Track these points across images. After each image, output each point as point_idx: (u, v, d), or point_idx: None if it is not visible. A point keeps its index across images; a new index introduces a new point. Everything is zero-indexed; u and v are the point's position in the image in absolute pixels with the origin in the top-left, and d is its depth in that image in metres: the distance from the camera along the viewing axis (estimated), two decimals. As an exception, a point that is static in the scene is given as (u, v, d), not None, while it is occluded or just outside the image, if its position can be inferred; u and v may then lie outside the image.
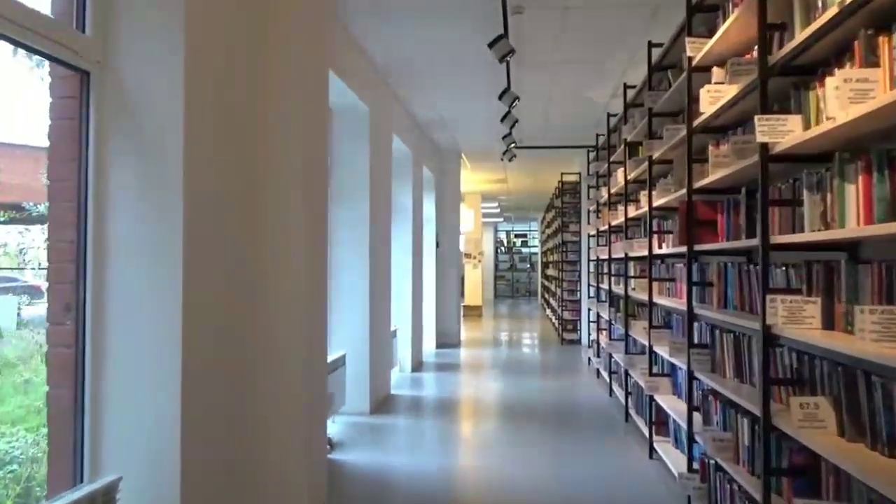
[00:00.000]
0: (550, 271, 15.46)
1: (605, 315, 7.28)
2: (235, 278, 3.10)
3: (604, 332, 7.78)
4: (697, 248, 3.55)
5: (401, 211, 8.15)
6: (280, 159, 3.27)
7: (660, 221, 4.86)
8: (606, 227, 7.01)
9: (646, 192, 4.98)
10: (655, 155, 4.52)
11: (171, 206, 2.66)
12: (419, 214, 8.83)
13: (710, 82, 3.39)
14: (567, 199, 11.62)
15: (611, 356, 6.65)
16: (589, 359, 8.76)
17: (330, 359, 5.23)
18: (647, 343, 4.74)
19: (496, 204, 18.71)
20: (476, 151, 10.93)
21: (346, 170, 5.86)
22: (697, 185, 3.50)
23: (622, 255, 5.89)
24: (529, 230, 27.03)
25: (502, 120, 6.80)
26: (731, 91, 3.06)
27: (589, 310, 8.89)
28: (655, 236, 4.68)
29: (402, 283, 8.12)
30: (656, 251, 4.62)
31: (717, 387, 3.19)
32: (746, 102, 3.03)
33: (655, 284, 4.71)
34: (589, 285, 9.05)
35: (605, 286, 7.44)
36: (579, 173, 11.12)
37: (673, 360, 3.98)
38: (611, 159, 6.76)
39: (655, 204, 4.49)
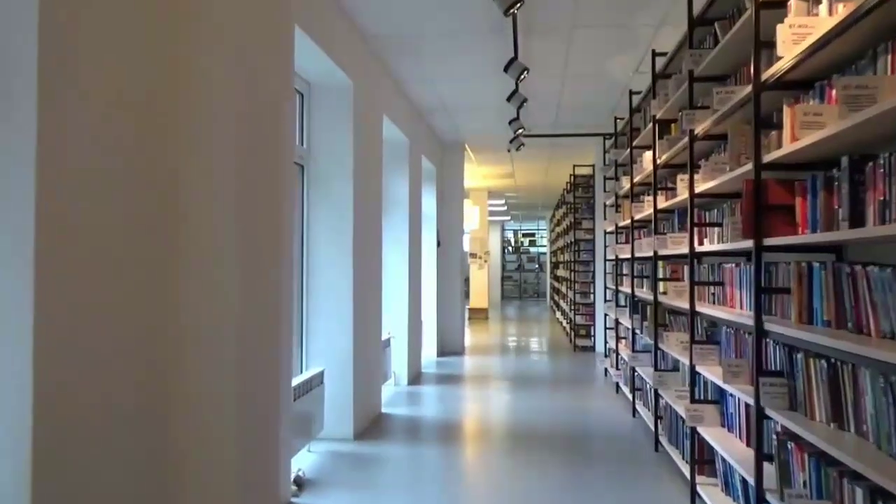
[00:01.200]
0: (561, 272, 14.58)
1: (625, 322, 6.41)
2: (130, 275, 2.25)
3: (623, 342, 6.90)
4: (770, 242, 2.67)
5: (395, 204, 7.30)
6: (203, 121, 2.43)
7: (700, 212, 4.00)
8: (628, 222, 6.13)
9: (682, 176, 4.10)
10: (699, 129, 3.64)
11: (22, 179, 1.81)
12: (417, 209, 7.97)
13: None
14: (580, 194, 10.73)
15: (634, 371, 5.77)
16: (606, 370, 7.88)
17: (303, 377, 4.38)
18: (685, 360, 3.86)
19: (503, 201, 17.83)
20: (481, 143, 10.06)
21: (324, 151, 5.00)
22: (769, 158, 2.63)
23: (649, 254, 5.01)
24: (538, 229, 26.20)
25: (509, 99, 5.93)
26: (825, 23, 2.19)
27: (605, 315, 8.01)
28: (696, 230, 3.80)
29: (396, 286, 7.26)
30: (699, 248, 3.74)
31: (803, 432, 2.32)
32: (852, 37, 2.15)
33: (696, 289, 3.83)
34: (605, 288, 8.17)
35: (625, 289, 6.57)
36: (593, 165, 10.24)
37: (729, 388, 3.09)
38: (633, 143, 5.88)
39: (699, 189, 3.61)
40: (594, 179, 10.24)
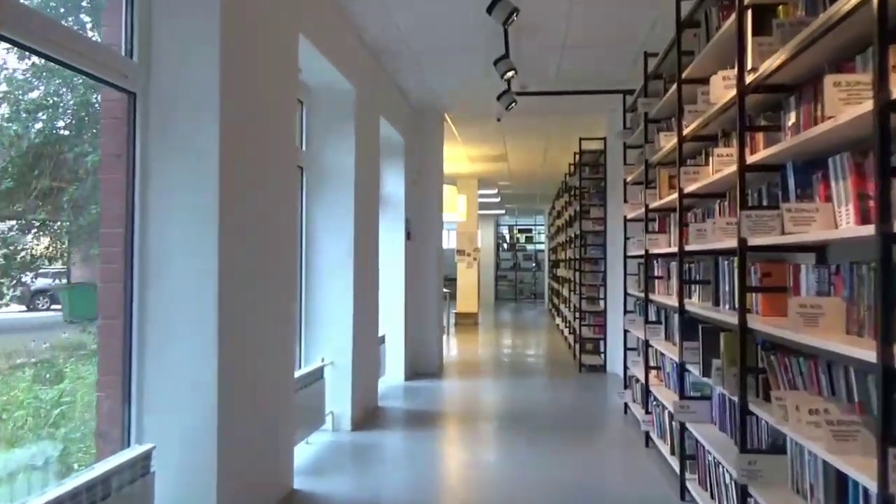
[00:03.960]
0: (561, 271, 12.49)
1: (660, 346, 4.36)
2: None
3: (656, 373, 4.85)
4: None
5: (333, 178, 5.21)
6: None
7: (860, 162, 1.93)
8: (669, 199, 4.09)
9: (837, 79, 2.04)
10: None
11: None
12: (370, 188, 5.86)
13: None
14: (587, 175, 8.66)
15: (683, 429, 3.71)
16: (626, 405, 5.83)
17: (96, 472, 2.32)
18: (861, 480, 1.81)
19: (496, 191, 15.74)
20: (465, 113, 8.01)
21: (172, 73, 2.93)
22: None
23: (729, 245, 2.95)
24: (535, 225, 24.20)
25: (490, 9, 3.88)
26: None
27: (626, 331, 5.95)
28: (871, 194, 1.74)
29: (336, 289, 5.17)
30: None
31: None
32: None
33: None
34: (625, 294, 6.11)
35: (660, 299, 4.52)
36: (604, 139, 8.17)
37: None
38: (683, 75, 3.79)
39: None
40: (605, 157, 8.19)
